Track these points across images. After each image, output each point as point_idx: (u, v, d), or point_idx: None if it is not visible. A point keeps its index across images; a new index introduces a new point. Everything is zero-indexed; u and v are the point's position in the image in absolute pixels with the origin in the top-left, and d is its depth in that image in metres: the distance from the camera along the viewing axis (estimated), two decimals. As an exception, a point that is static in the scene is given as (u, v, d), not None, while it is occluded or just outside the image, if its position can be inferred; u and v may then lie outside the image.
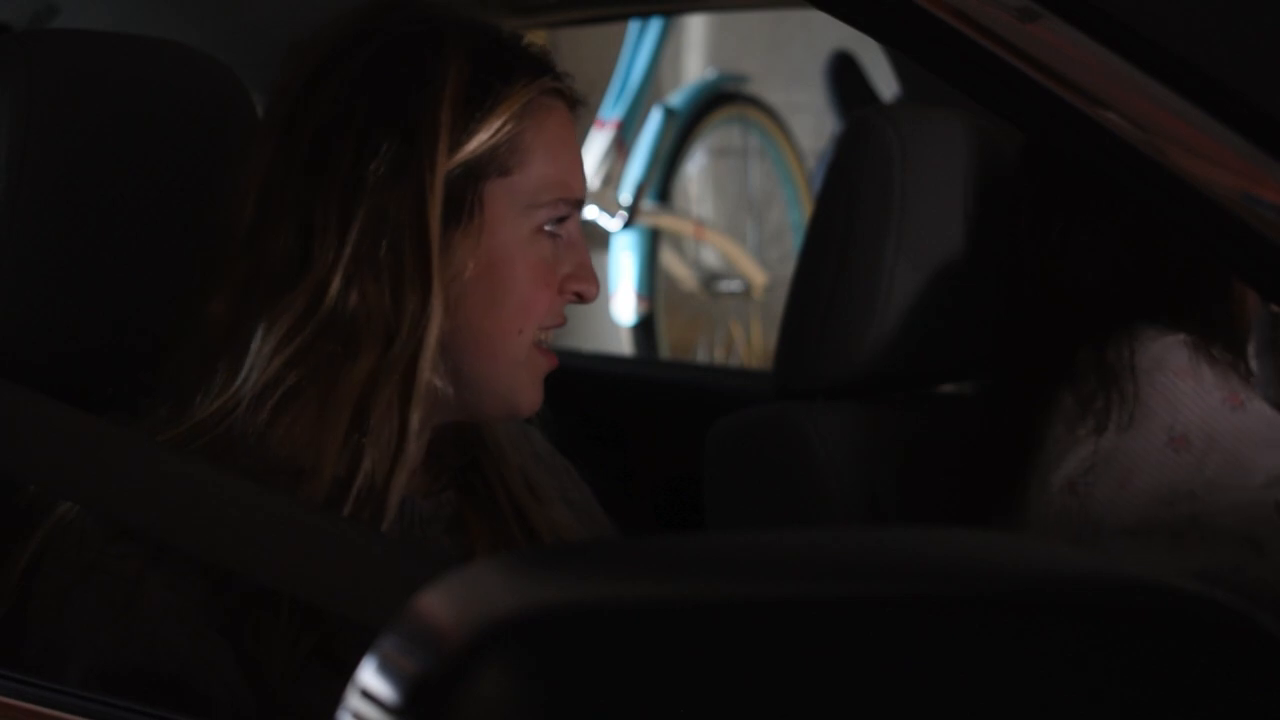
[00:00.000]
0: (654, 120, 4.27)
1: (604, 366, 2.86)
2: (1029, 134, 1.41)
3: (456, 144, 1.34)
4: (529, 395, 1.40)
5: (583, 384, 2.36)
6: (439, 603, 0.70)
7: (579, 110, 1.43)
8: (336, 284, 1.32)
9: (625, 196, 4.18)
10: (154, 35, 1.57)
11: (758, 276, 4.70)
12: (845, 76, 4.20)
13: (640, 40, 4.32)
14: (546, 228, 1.38)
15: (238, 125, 1.48)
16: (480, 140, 1.35)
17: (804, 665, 0.69)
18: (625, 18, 3.96)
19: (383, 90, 1.34)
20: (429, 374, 1.33)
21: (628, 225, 4.20)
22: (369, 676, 0.68)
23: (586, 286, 1.41)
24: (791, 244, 4.67)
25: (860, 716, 0.69)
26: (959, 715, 0.70)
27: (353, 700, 0.68)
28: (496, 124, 1.35)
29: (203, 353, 1.34)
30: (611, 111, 4.30)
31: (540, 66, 1.39)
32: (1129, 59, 0.94)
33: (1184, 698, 0.71)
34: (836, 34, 4.09)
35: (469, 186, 1.35)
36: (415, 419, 1.33)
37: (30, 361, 1.43)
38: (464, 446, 1.45)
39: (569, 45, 5.03)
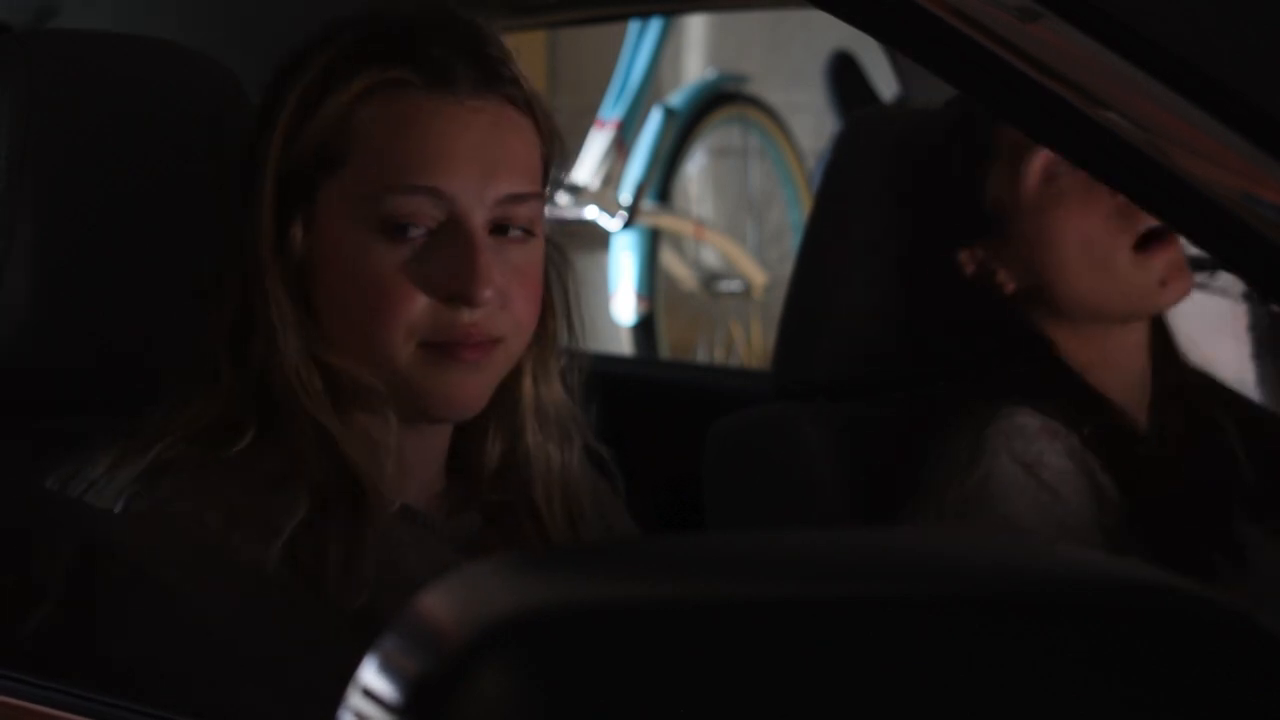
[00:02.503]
0: (654, 120, 4.26)
1: (604, 366, 2.85)
2: (1029, 134, 1.41)
3: (293, 139, 1.32)
4: (439, 399, 1.32)
5: (583, 386, 2.36)
6: (440, 603, 0.70)
7: (474, 100, 1.32)
8: (241, 282, 1.33)
9: (625, 196, 4.18)
10: (154, 35, 1.57)
11: (758, 276, 4.70)
12: (845, 76, 4.19)
13: (640, 40, 4.32)
14: (404, 227, 1.29)
15: (237, 126, 1.48)
16: (310, 133, 1.31)
17: (804, 665, 0.69)
18: (625, 18, 3.96)
19: (266, 95, 1.35)
20: (302, 369, 1.30)
21: (628, 225, 4.20)
22: (370, 675, 0.68)
23: (462, 287, 1.29)
24: (791, 244, 4.67)
25: (860, 716, 0.69)
26: (959, 715, 0.70)
27: (354, 699, 0.68)
28: (325, 115, 1.31)
29: (201, 358, 1.34)
30: (611, 111, 4.30)
31: (403, 56, 1.32)
32: (1129, 59, 0.94)
33: (1184, 698, 0.71)
34: (836, 34, 4.09)
35: (301, 180, 1.32)
36: (328, 417, 1.30)
37: (30, 363, 1.43)
38: (504, 482, 1.41)
39: (569, 45, 5.03)
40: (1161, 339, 1.77)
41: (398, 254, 1.30)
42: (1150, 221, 1.66)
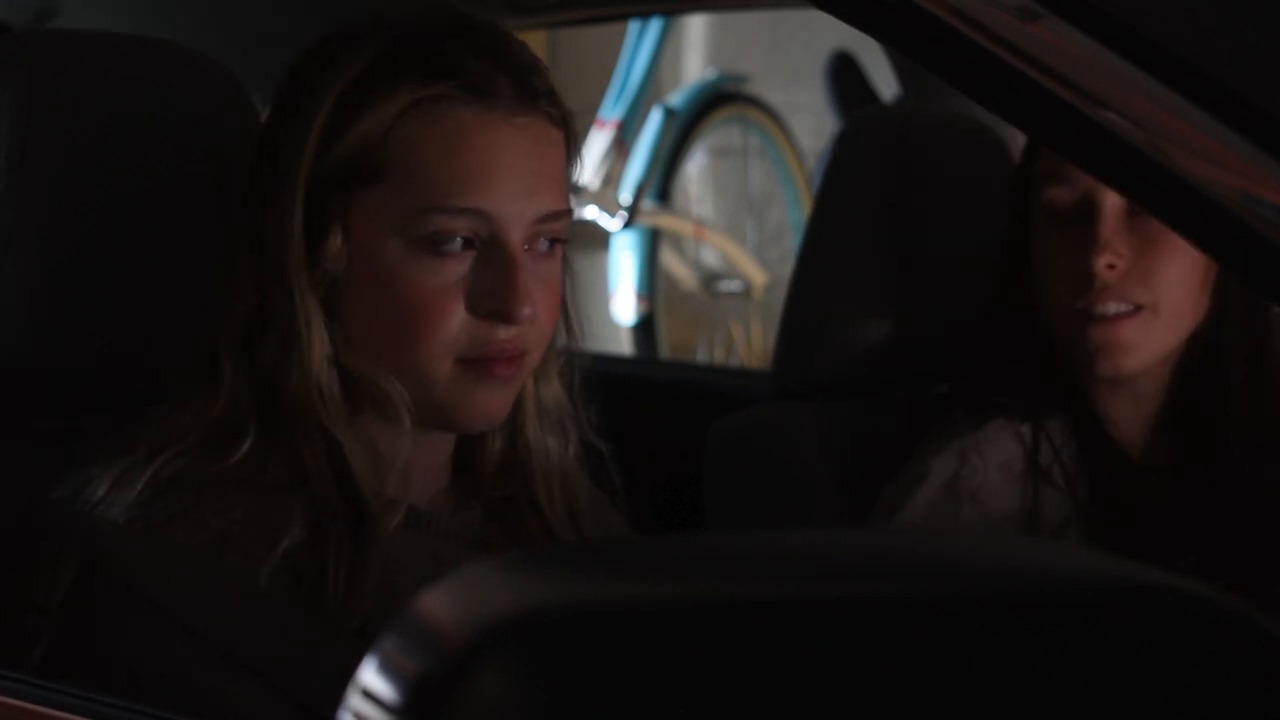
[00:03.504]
0: (654, 120, 4.26)
1: (604, 366, 2.85)
2: (1029, 134, 1.41)
3: (326, 147, 1.30)
4: (469, 414, 1.33)
5: (582, 384, 2.36)
6: (439, 602, 0.70)
7: (518, 116, 1.31)
8: (259, 288, 1.32)
9: (625, 196, 4.18)
10: (154, 35, 1.57)
11: (758, 276, 4.70)
12: (845, 76, 4.19)
13: (640, 40, 4.32)
14: (447, 245, 1.29)
15: (238, 126, 1.48)
16: (348, 144, 1.30)
17: (804, 665, 0.69)
18: (625, 18, 3.96)
19: (287, 95, 1.34)
20: (324, 376, 1.30)
21: (628, 225, 4.20)
22: (369, 675, 0.68)
23: (501, 305, 1.29)
24: (791, 244, 4.67)
25: (860, 716, 0.69)
26: (959, 715, 0.70)
27: (353, 700, 0.68)
28: (365, 128, 1.30)
29: (201, 358, 1.34)
30: (611, 111, 4.30)
31: (447, 70, 1.30)
32: (1129, 59, 0.94)
33: (1184, 698, 0.71)
34: (836, 34, 4.09)
35: (333, 193, 1.31)
36: (340, 426, 1.30)
37: (30, 363, 1.43)
38: (506, 477, 1.42)
39: (569, 45, 5.02)
40: (1232, 315, 1.71)
41: (437, 270, 1.30)
42: (1099, 305, 1.66)
